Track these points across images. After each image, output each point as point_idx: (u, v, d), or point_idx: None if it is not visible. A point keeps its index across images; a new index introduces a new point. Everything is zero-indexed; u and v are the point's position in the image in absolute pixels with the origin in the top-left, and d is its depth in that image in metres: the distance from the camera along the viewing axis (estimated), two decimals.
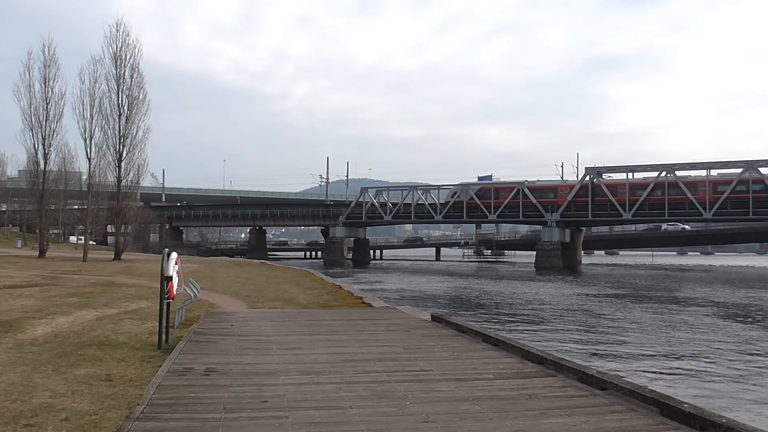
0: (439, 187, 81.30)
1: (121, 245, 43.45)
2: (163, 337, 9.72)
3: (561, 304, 28.09)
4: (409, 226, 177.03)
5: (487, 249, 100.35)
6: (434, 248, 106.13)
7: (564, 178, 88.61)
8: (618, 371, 12.15)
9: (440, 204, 77.18)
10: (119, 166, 40.87)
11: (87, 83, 40.40)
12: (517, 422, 5.44)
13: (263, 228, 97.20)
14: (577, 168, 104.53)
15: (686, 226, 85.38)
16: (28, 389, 6.98)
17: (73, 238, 73.79)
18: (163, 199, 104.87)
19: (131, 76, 40.84)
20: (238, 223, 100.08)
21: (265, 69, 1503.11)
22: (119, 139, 40.53)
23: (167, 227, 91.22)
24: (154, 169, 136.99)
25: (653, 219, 71.86)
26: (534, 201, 70.57)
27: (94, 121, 40.39)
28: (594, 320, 22.49)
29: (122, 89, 40.53)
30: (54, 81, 41.16)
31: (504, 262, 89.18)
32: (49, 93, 41.02)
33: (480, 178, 79.76)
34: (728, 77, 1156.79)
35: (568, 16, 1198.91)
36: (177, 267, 10.01)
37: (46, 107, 41.07)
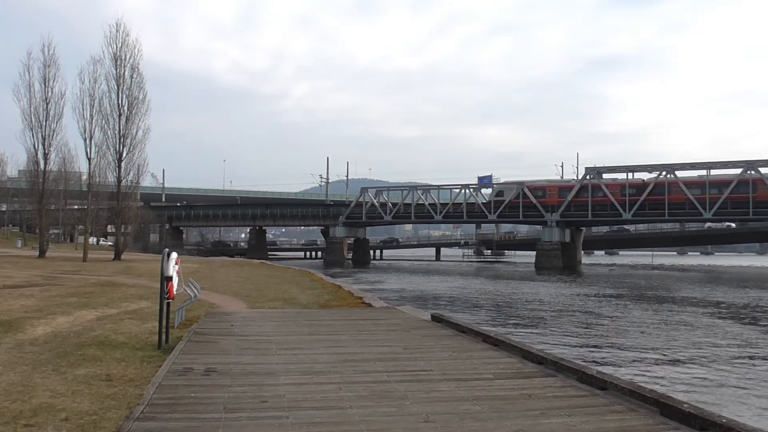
0: (439, 187, 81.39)
1: (121, 245, 43.46)
2: (163, 337, 9.73)
3: (561, 304, 28.08)
4: (409, 226, 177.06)
5: (487, 249, 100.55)
6: (434, 248, 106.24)
7: (564, 178, 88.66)
8: (618, 371, 12.14)
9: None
10: (119, 166, 40.94)
11: (87, 83, 40.54)
12: (517, 422, 5.44)
13: (263, 228, 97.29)
14: (577, 168, 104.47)
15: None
16: (28, 389, 6.97)
17: (92, 239, 71.79)
18: (163, 199, 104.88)
19: (131, 76, 40.97)
20: (238, 223, 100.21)
21: (265, 69, 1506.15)
22: (119, 139, 40.63)
23: (167, 227, 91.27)
24: (154, 169, 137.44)
25: (653, 219, 71.83)
26: (534, 201, 70.71)
27: (94, 121, 40.54)
28: (594, 320, 22.47)
29: (122, 89, 40.65)
30: (54, 81, 41.29)
31: (504, 262, 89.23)
32: (49, 93, 41.16)
33: (480, 179, 79.41)
34: (728, 77, 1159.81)
35: (567, 16, 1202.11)
36: (177, 267, 10.02)
37: (46, 107, 41.21)
